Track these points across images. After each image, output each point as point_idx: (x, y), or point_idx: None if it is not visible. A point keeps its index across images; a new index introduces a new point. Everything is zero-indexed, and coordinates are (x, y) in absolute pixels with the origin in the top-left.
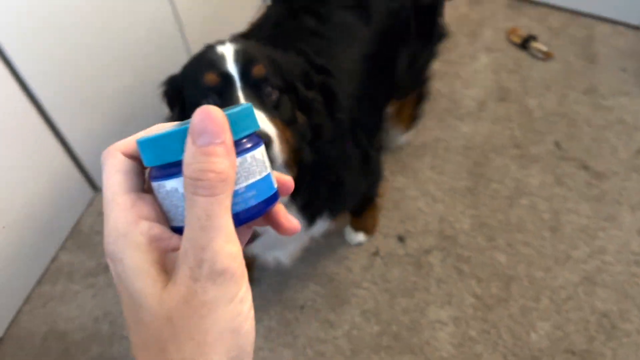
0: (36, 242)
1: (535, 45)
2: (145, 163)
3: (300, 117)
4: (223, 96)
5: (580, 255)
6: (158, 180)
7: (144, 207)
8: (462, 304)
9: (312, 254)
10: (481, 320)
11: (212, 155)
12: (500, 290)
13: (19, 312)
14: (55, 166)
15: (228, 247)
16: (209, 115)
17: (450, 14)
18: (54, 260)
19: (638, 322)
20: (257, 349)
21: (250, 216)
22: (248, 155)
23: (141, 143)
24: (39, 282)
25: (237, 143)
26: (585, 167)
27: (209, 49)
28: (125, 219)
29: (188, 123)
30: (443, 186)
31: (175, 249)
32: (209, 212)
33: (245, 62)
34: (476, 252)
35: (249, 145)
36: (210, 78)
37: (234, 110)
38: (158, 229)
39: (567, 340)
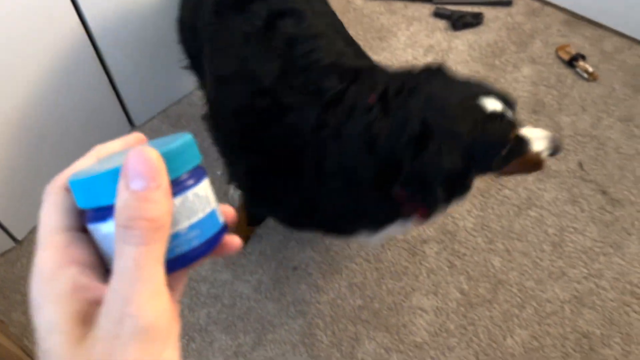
0: (69, 161)
1: (582, 64)
2: (78, 204)
3: None
4: None
5: (575, 275)
6: (93, 224)
7: (79, 249)
8: (447, 296)
9: None
10: (462, 316)
11: (145, 202)
12: (488, 291)
13: None
14: (99, 97)
15: (155, 301)
16: (142, 156)
17: (505, 21)
18: None
19: (618, 350)
20: (245, 298)
21: (194, 257)
22: (190, 193)
23: (73, 184)
24: None
25: (177, 181)
26: (603, 192)
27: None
28: (53, 262)
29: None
30: None
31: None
32: (138, 262)
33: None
34: (473, 251)
35: (190, 182)
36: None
37: (173, 145)
38: (86, 278)
39: (541, 352)
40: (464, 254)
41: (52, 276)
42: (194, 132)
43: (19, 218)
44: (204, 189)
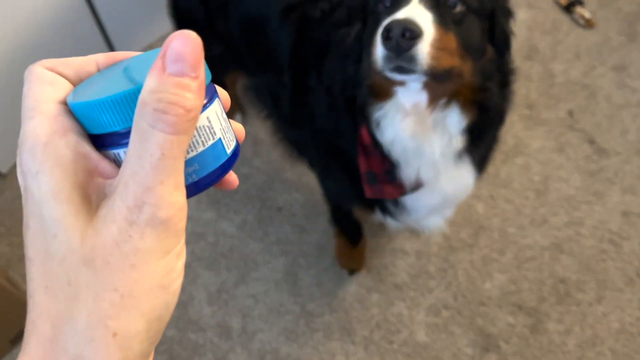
0: None
1: (579, 10)
2: (88, 130)
3: (490, 52)
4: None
5: (556, 222)
6: (103, 150)
7: (73, 119)
8: (429, 241)
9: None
10: (442, 259)
11: (184, 89)
12: (469, 236)
13: None
14: (84, 34)
15: (175, 196)
16: (190, 41)
17: None
18: None
19: (592, 295)
20: (228, 236)
21: (208, 184)
22: (205, 114)
23: (80, 107)
24: None
25: None
26: (591, 141)
27: None
28: (49, 127)
29: (138, 77)
30: None
31: (104, 176)
32: (165, 150)
33: None
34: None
35: (205, 101)
36: None
37: None
38: (87, 147)
39: (517, 295)
40: None
41: (49, 140)
42: None
43: (3, 150)
44: (215, 112)
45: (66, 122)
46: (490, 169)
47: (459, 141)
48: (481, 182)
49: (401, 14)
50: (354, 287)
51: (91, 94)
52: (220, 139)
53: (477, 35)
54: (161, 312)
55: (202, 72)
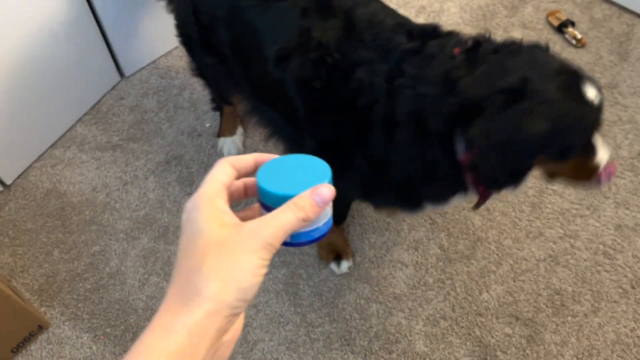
0: (59, 109)
1: (570, 30)
2: (262, 199)
3: None
4: None
5: (552, 235)
6: (266, 211)
7: (223, 194)
8: (427, 252)
9: None
10: (440, 271)
11: (315, 209)
12: (466, 248)
13: (30, 167)
14: (88, 44)
15: (279, 242)
16: (332, 194)
17: None
18: (70, 129)
19: (588, 306)
20: None
21: (313, 241)
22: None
23: (265, 190)
24: (53, 146)
25: None
26: None
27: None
28: (213, 192)
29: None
30: None
31: (235, 190)
32: (284, 223)
33: None
34: (453, 209)
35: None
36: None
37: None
38: (225, 206)
39: (514, 306)
40: (446, 212)
41: (210, 197)
42: (182, 85)
43: (7, 162)
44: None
45: (221, 193)
46: None
47: None
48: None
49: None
50: (353, 297)
51: (270, 184)
52: (330, 218)
53: None
54: (247, 286)
55: (327, 205)
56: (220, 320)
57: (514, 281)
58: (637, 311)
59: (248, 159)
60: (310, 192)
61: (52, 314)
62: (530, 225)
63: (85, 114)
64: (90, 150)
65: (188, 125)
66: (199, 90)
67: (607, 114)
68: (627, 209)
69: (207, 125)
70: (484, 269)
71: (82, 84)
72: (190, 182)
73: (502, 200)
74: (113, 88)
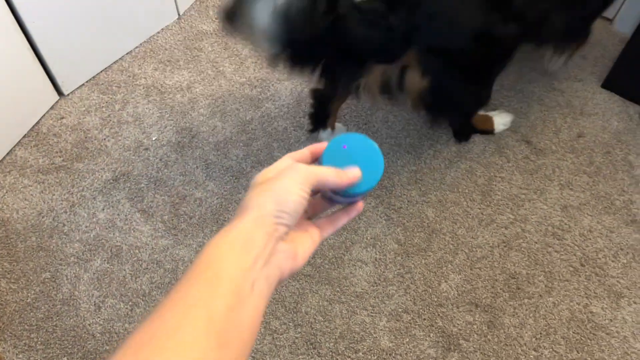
0: None
1: None
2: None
3: None
4: None
5: (503, 221)
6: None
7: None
8: (385, 248)
9: None
10: (399, 265)
11: (349, 182)
12: (423, 240)
13: None
14: (21, 65)
15: (313, 178)
16: (357, 175)
17: None
18: (9, 153)
19: (542, 287)
20: (187, 262)
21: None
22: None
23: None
24: None
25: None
26: (528, 142)
27: None
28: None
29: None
30: (390, 140)
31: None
32: (325, 172)
33: None
34: (408, 203)
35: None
36: None
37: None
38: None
39: (473, 294)
40: (400, 207)
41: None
42: (125, 100)
43: None
44: None
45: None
46: (437, 175)
47: None
48: (432, 189)
49: None
50: (316, 300)
51: (331, 161)
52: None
53: None
54: (283, 200)
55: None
56: (267, 225)
57: (471, 269)
58: (588, 287)
59: (304, 151)
60: (357, 170)
61: (4, 347)
62: (482, 213)
63: (25, 136)
64: (32, 174)
65: (134, 140)
66: (143, 103)
67: (546, 99)
68: (571, 189)
69: (154, 138)
70: (441, 260)
71: (17, 106)
72: (141, 199)
73: (453, 191)
74: (52, 108)
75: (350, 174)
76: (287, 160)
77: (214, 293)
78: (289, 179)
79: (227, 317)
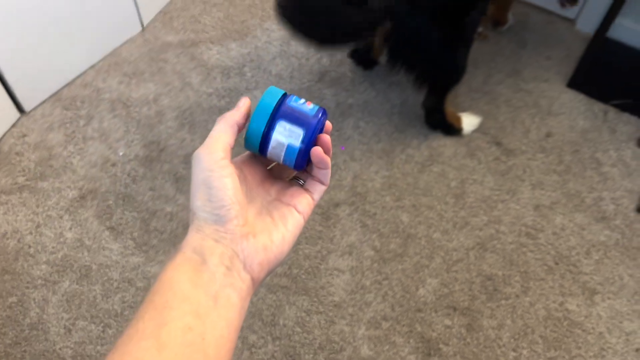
0: None
1: None
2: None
3: None
4: None
5: (477, 223)
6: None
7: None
8: (361, 255)
9: None
10: (376, 272)
11: (234, 113)
12: (399, 246)
13: None
14: None
15: (226, 137)
16: (244, 101)
17: None
18: None
19: (518, 287)
20: None
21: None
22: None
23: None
24: None
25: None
26: (498, 144)
27: None
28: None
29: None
30: (362, 147)
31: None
32: (225, 119)
33: None
34: (382, 209)
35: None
36: None
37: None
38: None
39: (451, 297)
40: (375, 214)
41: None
42: (89, 115)
43: None
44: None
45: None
46: (410, 179)
47: None
48: (406, 194)
49: None
50: (293, 311)
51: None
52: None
53: None
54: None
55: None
56: (209, 227)
57: (447, 273)
58: (563, 285)
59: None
60: (245, 99)
61: None
62: (456, 216)
63: None
64: None
65: (100, 156)
66: (108, 118)
67: (514, 100)
68: (542, 189)
69: (121, 153)
70: (417, 265)
71: None
72: (109, 216)
73: (427, 195)
74: (13, 126)
75: (240, 103)
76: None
77: (164, 320)
78: (197, 165)
79: (185, 339)
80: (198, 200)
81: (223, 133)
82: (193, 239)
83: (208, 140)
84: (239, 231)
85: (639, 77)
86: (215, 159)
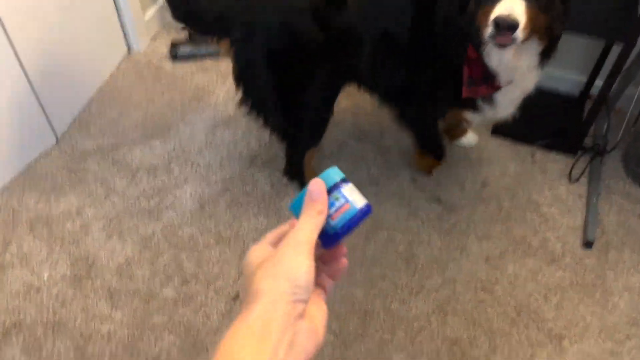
0: None
1: None
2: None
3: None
4: None
5: (432, 285)
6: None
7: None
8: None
9: (172, 311)
10: (339, 358)
11: (317, 200)
12: (358, 326)
13: None
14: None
15: (312, 235)
16: (318, 184)
17: None
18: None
19: (486, 347)
20: None
21: (351, 226)
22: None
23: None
24: None
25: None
26: (438, 200)
27: None
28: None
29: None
30: None
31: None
32: (310, 219)
33: None
34: (335, 288)
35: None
36: None
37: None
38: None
39: None
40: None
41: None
42: (7, 240)
43: None
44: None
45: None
46: (357, 252)
47: (536, 59)
48: (356, 267)
49: (505, 9)
50: None
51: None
52: (350, 214)
53: (557, 3)
54: (297, 276)
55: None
56: (284, 305)
57: (412, 345)
58: (529, 336)
59: (284, 227)
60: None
61: None
62: (411, 282)
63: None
64: None
65: (22, 283)
66: (28, 240)
67: (454, 152)
68: (489, 240)
69: (46, 277)
70: (380, 342)
71: (16, 146)
72: (39, 349)
73: (377, 265)
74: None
75: (315, 198)
76: (272, 235)
77: None
78: (294, 250)
79: None
80: (283, 281)
81: (310, 229)
82: (263, 310)
83: (306, 233)
84: (304, 312)
85: (558, 116)
86: (310, 255)
